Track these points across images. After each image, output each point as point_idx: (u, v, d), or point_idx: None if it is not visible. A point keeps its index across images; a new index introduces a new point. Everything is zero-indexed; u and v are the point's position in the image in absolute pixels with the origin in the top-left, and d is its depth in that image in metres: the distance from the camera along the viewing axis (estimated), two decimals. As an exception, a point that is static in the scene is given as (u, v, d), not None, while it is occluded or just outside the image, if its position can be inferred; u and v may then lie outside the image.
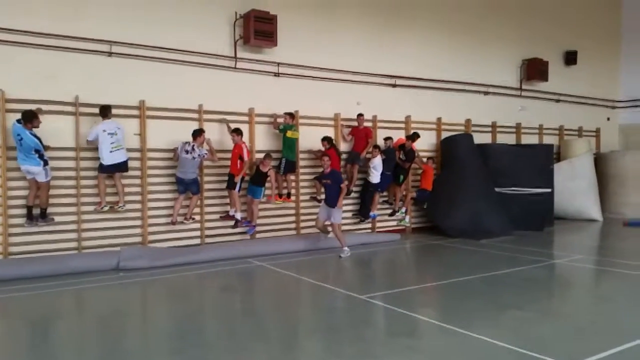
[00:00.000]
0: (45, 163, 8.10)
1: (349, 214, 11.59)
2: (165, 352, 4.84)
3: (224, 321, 5.93)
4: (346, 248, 9.40)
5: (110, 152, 8.58)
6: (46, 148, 8.20)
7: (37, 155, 7.96)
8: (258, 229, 10.31)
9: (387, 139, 11.81)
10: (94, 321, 6.01)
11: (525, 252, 9.70)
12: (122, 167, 8.84)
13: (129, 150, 8.98)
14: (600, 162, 15.48)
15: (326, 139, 10.68)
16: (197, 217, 9.80)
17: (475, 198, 11.90)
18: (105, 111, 8.65)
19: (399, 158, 11.81)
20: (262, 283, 8.06)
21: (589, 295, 7.14)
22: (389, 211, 12.25)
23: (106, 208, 8.80)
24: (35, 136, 7.95)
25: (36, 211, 8.34)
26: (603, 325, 5.59)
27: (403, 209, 12.23)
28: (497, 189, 12.50)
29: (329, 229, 9.76)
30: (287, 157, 10.39)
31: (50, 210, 8.48)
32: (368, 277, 8.56)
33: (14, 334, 5.60)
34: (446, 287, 7.20)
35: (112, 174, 8.80)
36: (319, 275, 8.05)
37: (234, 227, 9.96)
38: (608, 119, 17.48)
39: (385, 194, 12.16)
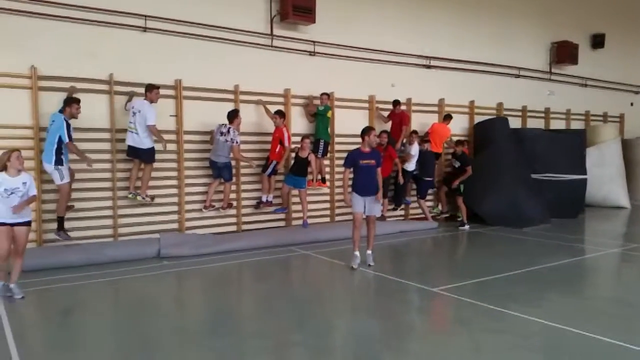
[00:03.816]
0: (59, 163, 7.20)
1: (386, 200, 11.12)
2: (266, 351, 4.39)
3: (307, 317, 5.43)
4: (357, 253, 7.44)
5: (127, 130, 8.06)
6: (87, 160, 7.44)
7: (54, 148, 7.13)
8: (293, 215, 9.89)
9: (423, 141, 11.34)
10: (157, 316, 5.51)
11: (576, 241, 9.41)
12: (142, 155, 8.05)
13: (165, 132, 8.44)
14: (625, 148, 15.15)
15: (385, 132, 10.24)
16: (234, 203, 9.33)
17: (513, 184, 11.51)
18: (146, 88, 8.07)
19: (452, 165, 11.29)
20: (319, 274, 7.60)
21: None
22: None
23: (131, 196, 8.20)
24: (68, 124, 7.22)
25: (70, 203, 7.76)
26: None
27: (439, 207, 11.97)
28: (532, 175, 12.15)
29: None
30: (325, 138, 9.95)
31: (82, 195, 7.97)
32: (427, 267, 8.07)
33: (64, 333, 5.12)
34: (518, 278, 6.77)
35: (135, 159, 8.18)
36: (374, 265, 7.47)
37: (255, 207, 9.58)
38: (632, 104, 17.17)
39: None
